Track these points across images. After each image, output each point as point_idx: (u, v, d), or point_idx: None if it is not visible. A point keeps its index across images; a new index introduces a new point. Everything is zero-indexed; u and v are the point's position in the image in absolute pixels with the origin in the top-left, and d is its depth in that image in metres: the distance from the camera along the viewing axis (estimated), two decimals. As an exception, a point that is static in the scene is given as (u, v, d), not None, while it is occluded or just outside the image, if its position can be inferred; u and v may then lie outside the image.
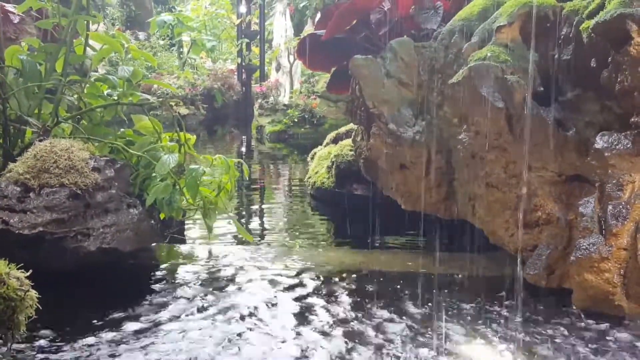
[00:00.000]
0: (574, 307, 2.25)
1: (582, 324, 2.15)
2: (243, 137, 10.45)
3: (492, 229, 2.73)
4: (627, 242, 2.14)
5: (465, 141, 2.75)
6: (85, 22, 2.92)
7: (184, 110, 10.79)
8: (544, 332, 2.09)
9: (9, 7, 4.34)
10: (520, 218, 2.55)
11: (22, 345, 1.83)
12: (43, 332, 1.96)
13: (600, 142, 2.29)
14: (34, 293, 1.42)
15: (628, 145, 2.21)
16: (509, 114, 2.55)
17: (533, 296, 2.38)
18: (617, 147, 2.24)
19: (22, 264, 1.49)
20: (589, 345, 1.99)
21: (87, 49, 3.00)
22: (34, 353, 1.83)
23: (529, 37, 2.62)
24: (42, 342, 1.91)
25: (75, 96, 3.00)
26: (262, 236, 3.63)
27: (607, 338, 2.04)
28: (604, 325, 2.12)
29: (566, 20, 2.54)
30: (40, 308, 1.46)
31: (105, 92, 3.05)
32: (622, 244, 2.14)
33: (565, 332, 2.08)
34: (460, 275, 2.68)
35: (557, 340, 2.02)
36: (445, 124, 2.95)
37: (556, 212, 2.46)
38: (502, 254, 2.76)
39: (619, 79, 2.24)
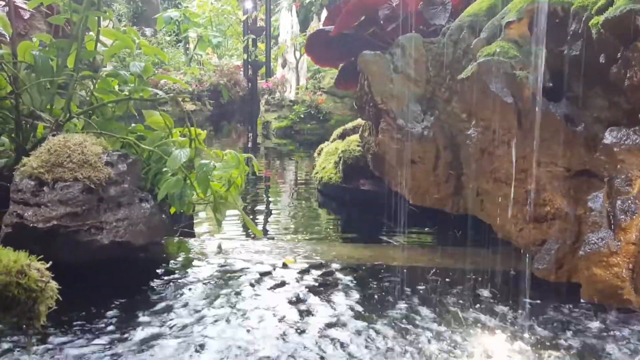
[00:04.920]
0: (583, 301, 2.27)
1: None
2: (249, 133, 10.47)
3: (500, 224, 2.75)
4: (635, 236, 2.16)
5: (474, 136, 2.77)
6: (97, 18, 2.94)
7: (190, 106, 10.81)
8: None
9: (19, 2, 4.38)
10: (529, 212, 2.57)
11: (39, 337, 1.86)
12: (58, 324, 2.00)
13: (609, 138, 2.31)
14: (54, 284, 1.44)
15: (637, 141, 2.23)
16: (517, 109, 2.56)
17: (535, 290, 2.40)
18: (625, 142, 2.26)
19: (41, 257, 1.51)
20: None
21: (98, 44, 3.03)
22: (50, 344, 1.86)
23: (538, 33, 2.64)
24: (57, 333, 1.95)
25: (84, 91, 3.03)
26: (270, 231, 3.65)
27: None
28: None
29: (575, 16, 2.55)
30: (61, 299, 1.48)
31: (117, 88, 3.07)
32: (630, 239, 2.16)
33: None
34: (470, 270, 2.70)
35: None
36: (454, 120, 2.97)
37: (565, 207, 2.47)
38: (510, 249, 2.78)
39: (628, 75, 2.25)
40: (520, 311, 2.23)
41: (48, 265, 1.47)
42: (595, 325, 2.09)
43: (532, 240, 2.58)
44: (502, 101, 2.57)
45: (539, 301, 2.31)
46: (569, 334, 2.03)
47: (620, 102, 2.40)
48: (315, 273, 2.62)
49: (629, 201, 2.19)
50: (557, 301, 2.29)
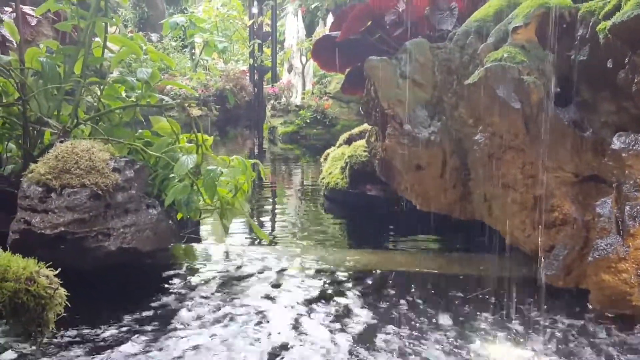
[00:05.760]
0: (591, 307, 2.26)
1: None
2: (255, 138, 10.48)
3: (508, 229, 2.73)
4: (644, 242, 2.14)
5: (481, 142, 2.76)
6: (104, 24, 2.95)
7: (196, 112, 10.82)
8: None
9: (27, 9, 4.39)
10: (537, 218, 2.56)
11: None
12: (70, 327, 2.00)
13: (617, 143, 2.29)
14: (62, 291, 1.44)
15: (645, 146, 2.22)
16: (525, 114, 2.55)
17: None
18: (634, 147, 2.25)
19: (50, 264, 1.51)
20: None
21: (105, 50, 3.03)
22: (59, 349, 1.87)
23: (545, 38, 2.63)
24: (68, 338, 1.95)
25: (92, 98, 3.04)
26: (277, 236, 3.64)
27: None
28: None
29: (582, 21, 2.54)
30: (69, 305, 1.48)
31: (123, 94, 3.08)
32: (639, 245, 2.14)
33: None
34: (474, 275, 2.70)
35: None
36: (461, 125, 2.96)
37: (573, 213, 2.46)
38: (514, 255, 2.77)
39: (635, 80, 2.24)
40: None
41: (57, 272, 1.47)
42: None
43: (541, 246, 2.57)
44: (510, 106, 2.56)
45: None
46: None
47: (629, 107, 2.38)
48: (322, 278, 2.62)
49: (638, 207, 2.17)
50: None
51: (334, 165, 4.65)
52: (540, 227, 2.55)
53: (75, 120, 2.84)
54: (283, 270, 2.71)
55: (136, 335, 2.02)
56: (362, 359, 1.90)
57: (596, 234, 2.29)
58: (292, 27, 11.37)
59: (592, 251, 2.25)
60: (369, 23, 3.63)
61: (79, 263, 2.31)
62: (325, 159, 4.99)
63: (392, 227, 3.73)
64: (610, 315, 2.19)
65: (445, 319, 2.21)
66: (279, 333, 2.07)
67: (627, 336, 2.07)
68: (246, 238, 3.51)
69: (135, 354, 1.89)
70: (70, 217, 2.29)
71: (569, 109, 2.56)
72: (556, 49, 2.61)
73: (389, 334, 2.07)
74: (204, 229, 3.60)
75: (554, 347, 1.99)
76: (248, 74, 13.38)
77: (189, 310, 2.25)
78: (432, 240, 3.50)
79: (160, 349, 1.93)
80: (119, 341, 1.97)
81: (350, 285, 2.56)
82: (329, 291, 2.48)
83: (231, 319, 2.17)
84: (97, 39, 3.06)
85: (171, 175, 2.77)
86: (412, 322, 2.17)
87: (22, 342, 1.83)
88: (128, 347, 1.93)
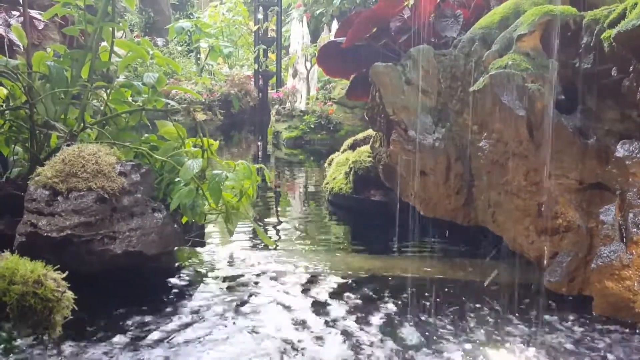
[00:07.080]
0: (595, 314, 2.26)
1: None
2: (259, 142, 10.50)
3: (512, 236, 2.74)
4: (648, 250, 2.15)
5: (486, 148, 2.77)
6: (111, 29, 2.97)
7: (201, 116, 10.86)
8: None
9: (34, 13, 4.43)
10: (541, 225, 2.57)
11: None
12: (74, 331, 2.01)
13: (621, 151, 2.31)
14: (70, 294, 1.46)
15: (649, 154, 2.23)
16: (530, 122, 2.56)
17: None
18: (637, 155, 2.26)
19: (57, 267, 1.52)
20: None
21: (112, 55, 3.05)
22: (65, 353, 1.88)
23: (550, 46, 2.64)
24: (72, 341, 1.96)
25: (96, 101, 3.06)
26: (281, 241, 3.65)
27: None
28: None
29: (587, 29, 2.55)
30: (76, 309, 1.50)
31: (130, 98, 3.10)
32: (643, 252, 2.15)
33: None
34: (480, 282, 2.70)
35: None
36: (465, 131, 2.97)
37: (577, 220, 2.47)
38: (520, 261, 2.78)
39: (639, 88, 2.26)
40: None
41: (64, 275, 1.48)
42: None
43: (544, 253, 2.58)
44: (514, 113, 2.57)
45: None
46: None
47: (633, 115, 2.40)
48: (325, 283, 2.63)
49: (642, 214, 2.18)
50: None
51: (338, 171, 4.67)
52: (543, 234, 2.57)
53: (82, 124, 2.86)
54: (286, 274, 2.72)
55: (139, 340, 2.03)
56: None
57: (600, 241, 2.30)
58: (297, 33, 11.38)
59: (596, 258, 2.26)
60: (375, 29, 3.65)
61: (85, 266, 2.32)
62: (329, 164, 5.01)
63: (396, 232, 3.74)
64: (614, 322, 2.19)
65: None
66: (284, 339, 2.08)
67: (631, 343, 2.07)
68: (251, 242, 3.52)
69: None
70: (76, 220, 2.31)
71: (573, 116, 2.57)
72: (561, 57, 2.63)
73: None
74: (209, 232, 3.62)
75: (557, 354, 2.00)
76: (253, 79, 13.44)
77: (191, 314, 2.26)
78: (437, 245, 3.51)
79: (164, 355, 1.94)
80: (124, 344, 1.98)
81: (352, 290, 2.56)
82: (332, 296, 2.48)
83: (233, 323, 2.18)
84: (104, 43, 3.08)
85: (177, 179, 2.78)
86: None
87: (30, 345, 1.84)
88: (133, 352, 1.94)
